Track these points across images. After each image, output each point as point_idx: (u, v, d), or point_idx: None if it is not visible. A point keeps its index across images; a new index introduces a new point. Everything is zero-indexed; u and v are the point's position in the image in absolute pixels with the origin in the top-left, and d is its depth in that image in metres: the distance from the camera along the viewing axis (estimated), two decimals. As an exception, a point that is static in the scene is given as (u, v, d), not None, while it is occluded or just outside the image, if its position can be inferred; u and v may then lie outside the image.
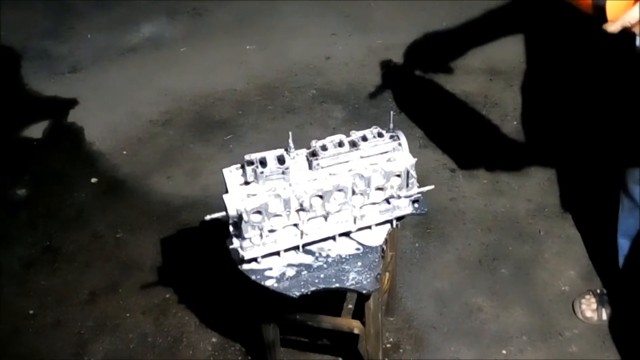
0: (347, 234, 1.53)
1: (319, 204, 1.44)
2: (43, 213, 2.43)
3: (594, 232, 2.18)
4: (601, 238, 2.14)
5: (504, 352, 1.86)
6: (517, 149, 2.59)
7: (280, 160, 1.44)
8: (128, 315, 2.03)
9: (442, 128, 2.70)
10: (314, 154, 1.46)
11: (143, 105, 2.95)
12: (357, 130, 1.51)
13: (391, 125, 1.51)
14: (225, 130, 2.79)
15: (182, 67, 3.22)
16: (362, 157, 1.48)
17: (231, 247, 1.45)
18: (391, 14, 3.52)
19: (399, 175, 1.48)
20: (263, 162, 1.43)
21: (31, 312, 2.06)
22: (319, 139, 1.49)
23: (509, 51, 3.07)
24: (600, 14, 1.21)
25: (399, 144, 1.50)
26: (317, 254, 1.50)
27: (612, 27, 1.20)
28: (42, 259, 2.24)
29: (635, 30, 1.20)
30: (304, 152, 1.49)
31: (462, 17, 3.36)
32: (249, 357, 1.89)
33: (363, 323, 1.59)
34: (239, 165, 1.48)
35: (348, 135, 1.51)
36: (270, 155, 1.45)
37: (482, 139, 2.63)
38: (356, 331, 1.62)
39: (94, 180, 2.57)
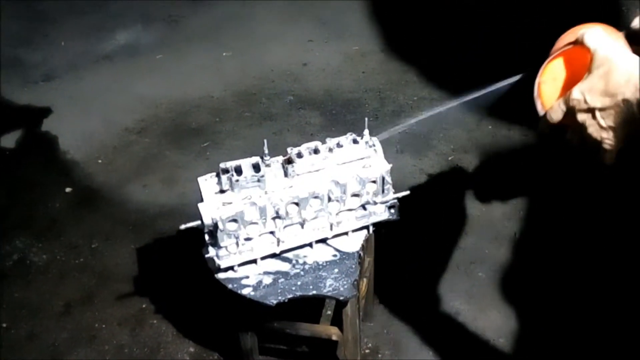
0: (323, 241, 1.53)
1: (295, 211, 1.44)
2: (16, 224, 2.38)
3: (567, 234, 2.21)
4: (574, 240, 2.18)
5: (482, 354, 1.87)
6: (492, 152, 2.62)
7: (256, 168, 1.43)
8: (104, 326, 2.00)
9: (418, 131, 2.72)
10: (289, 161, 1.46)
11: (118, 113, 2.92)
12: (335, 136, 1.51)
13: (366, 132, 1.51)
14: (202, 137, 2.78)
15: (158, 74, 3.19)
16: (337, 164, 1.48)
17: (207, 256, 1.44)
18: (367, 20, 3.55)
19: (374, 182, 1.48)
20: (238, 170, 1.42)
21: (4, 325, 2.02)
22: (296, 145, 1.49)
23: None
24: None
25: (375, 150, 1.51)
26: (294, 261, 1.50)
27: (542, 124, 1.04)
28: (15, 271, 2.20)
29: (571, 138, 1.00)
30: (280, 159, 1.49)
31: (439, 22, 3.40)
32: (228, 366, 1.88)
33: (341, 329, 1.59)
34: (214, 174, 1.47)
35: (324, 142, 1.51)
36: (246, 163, 1.44)
37: (457, 142, 2.66)
38: (334, 338, 1.62)
39: (68, 189, 2.53)
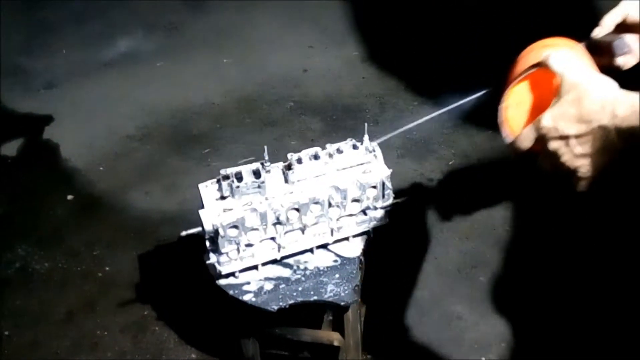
0: (324, 246, 1.53)
1: (295, 217, 1.45)
2: (18, 232, 2.39)
3: (568, 239, 2.21)
4: (575, 245, 2.18)
5: (483, 359, 1.87)
6: (493, 157, 2.62)
7: (256, 174, 1.44)
8: (106, 333, 2.00)
9: (419, 135, 2.72)
10: (289, 167, 1.47)
11: (120, 121, 2.93)
12: (336, 142, 1.52)
13: (366, 137, 1.52)
14: (203, 144, 2.78)
15: (159, 81, 3.20)
16: (338, 170, 1.49)
17: (208, 262, 1.45)
18: (367, 26, 3.55)
19: (374, 187, 1.49)
20: (239, 177, 1.43)
21: (6, 333, 2.02)
22: (297, 151, 1.49)
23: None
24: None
25: (375, 156, 1.51)
26: (294, 267, 1.50)
27: (510, 151, 1.01)
28: (17, 279, 2.20)
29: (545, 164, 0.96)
30: (280, 165, 1.50)
31: (438, 26, 3.40)
32: (230, 373, 1.88)
33: (343, 335, 1.59)
34: (215, 180, 1.48)
35: (324, 148, 1.52)
36: (246, 170, 1.45)
37: (458, 147, 2.66)
38: (336, 343, 1.62)
39: (70, 197, 2.54)
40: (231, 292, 1.45)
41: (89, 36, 3.57)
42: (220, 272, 1.44)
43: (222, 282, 1.47)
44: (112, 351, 1.95)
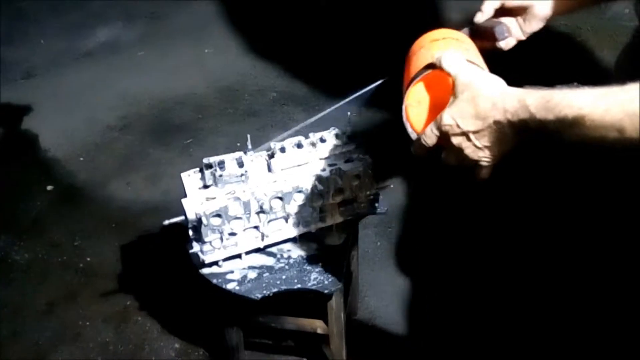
0: (308, 235, 1.53)
1: (279, 205, 1.45)
2: (-3, 223, 2.37)
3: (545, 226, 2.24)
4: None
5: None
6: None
7: (239, 163, 1.44)
8: (88, 324, 1.99)
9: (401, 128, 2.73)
10: (272, 156, 1.47)
11: (100, 111, 2.90)
12: (319, 131, 1.52)
13: (349, 126, 1.53)
14: (185, 134, 2.77)
15: (140, 71, 3.17)
16: (321, 158, 1.49)
17: (191, 251, 1.44)
18: (347, 16, 3.55)
19: (357, 176, 1.50)
20: (222, 165, 1.43)
21: (-14, 325, 2.01)
22: (279, 141, 1.50)
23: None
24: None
25: (357, 144, 1.52)
26: (278, 256, 1.51)
27: (416, 148, 1.09)
28: (-3, 270, 2.18)
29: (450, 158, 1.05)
30: (263, 154, 1.50)
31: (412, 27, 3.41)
32: (213, 362, 1.88)
33: (326, 323, 1.61)
34: (197, 169, 1.47)
35: (307, 137, 1.52)
36: (229, 158, 1.45)
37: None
38: (319, 331, 1.63)
39: (49, 187, 2.51)
40: (214, 281, 1.45)
41: (68, 25, 3.52)
42: (203, 261, 1.44)
43: (205, 271, 1.47)
44: (94, 342, 1.94)
